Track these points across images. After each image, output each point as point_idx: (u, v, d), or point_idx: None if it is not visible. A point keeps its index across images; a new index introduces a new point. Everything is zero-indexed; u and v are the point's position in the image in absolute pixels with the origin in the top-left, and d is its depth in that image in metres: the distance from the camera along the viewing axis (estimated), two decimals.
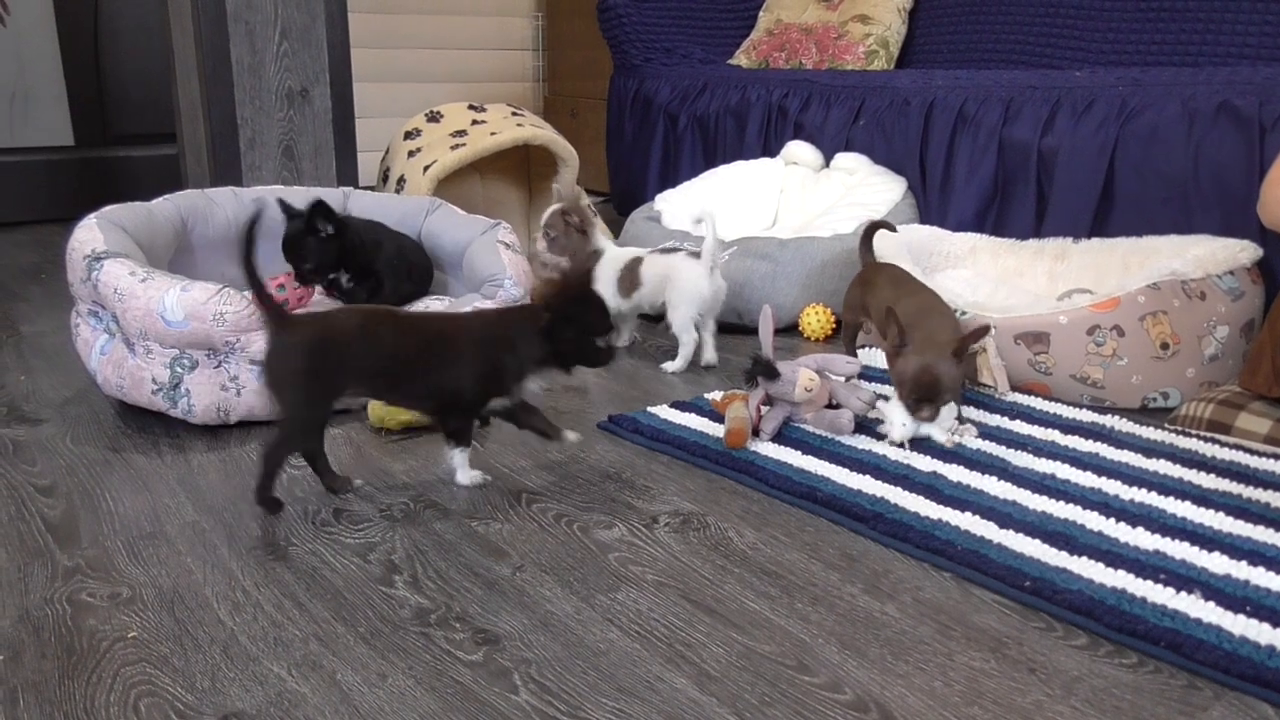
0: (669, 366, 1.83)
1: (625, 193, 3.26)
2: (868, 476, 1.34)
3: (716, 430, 1.49)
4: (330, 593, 1.06)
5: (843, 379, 1.56)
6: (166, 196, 1.89)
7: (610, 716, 0.87)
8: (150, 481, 1.34)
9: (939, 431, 1.46)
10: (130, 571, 1.10)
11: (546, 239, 1.90)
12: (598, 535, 1.20)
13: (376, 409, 1.51)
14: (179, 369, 1.46)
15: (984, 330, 1.43)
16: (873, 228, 1.85)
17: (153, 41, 3.23)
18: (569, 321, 1.28)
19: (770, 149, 2.71)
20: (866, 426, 1.51)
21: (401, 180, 2.37)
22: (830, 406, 1.52)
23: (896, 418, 1.45)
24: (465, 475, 1.34)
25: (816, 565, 1.14)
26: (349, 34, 2.35)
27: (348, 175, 2.39)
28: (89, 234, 1.56)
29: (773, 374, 1.40)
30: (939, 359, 1.40)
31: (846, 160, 2.45)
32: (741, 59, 3.15)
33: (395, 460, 1.42)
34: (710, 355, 1.84)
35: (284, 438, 1.24)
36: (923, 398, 1.41)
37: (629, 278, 1.87)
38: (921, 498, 1.28)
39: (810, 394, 1.49)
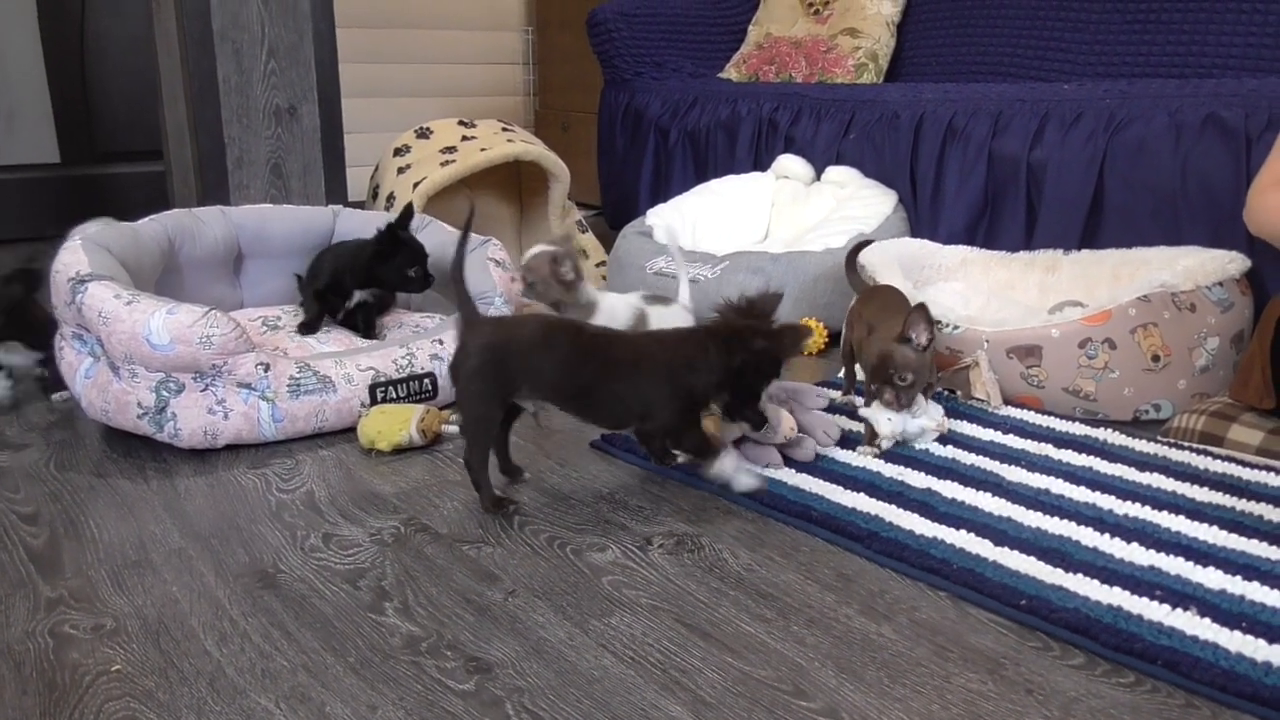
0: None
1: (617, 206, 3.25)
2: (862, 494, 1.33)
3: None
4: (319, 621, 1.05)
5: (813, 410, 1.54)
6: (153, 216, 1.88)
7: None
8: (136, 507, 1.32)
9: (928, 420, 1.48)
10: (114, 602, 1.08)
11: (525, 282, 1.71)
12: (591, 558, 1.19)
13: (367, 430, 1.50)
14: (165, 393, 1.45)
15: (921, 307, 1.46)
16: (855, 251, 1.85)
17: (140, 58, 3.21)
18: (754, 372, 1.29)
19: (761, 163, 2.71)
20: (856, 441, 1.50)
21: (391, 197, 2.36)
22: None
23: (880, 416, 1.45)
24: (745, 480, 1.33)
25: (812, 586, 1.13)
26: (337, 51, 2.34)
27: (336, 193, 2.38)
28: (73, 256, 1.55)
29: (762, 421, 1.37)
30: (891, 341, 1.45)
31: (837, 173, 2.45)
32: (731, 73, 3.15)
33: (385, 483, 1.40)
34: None
35: (469, 439, 1.32)
36: (878, 379, 1.44)
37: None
38: (916, 515, 1.27)
39: (794, 433, 1.45)
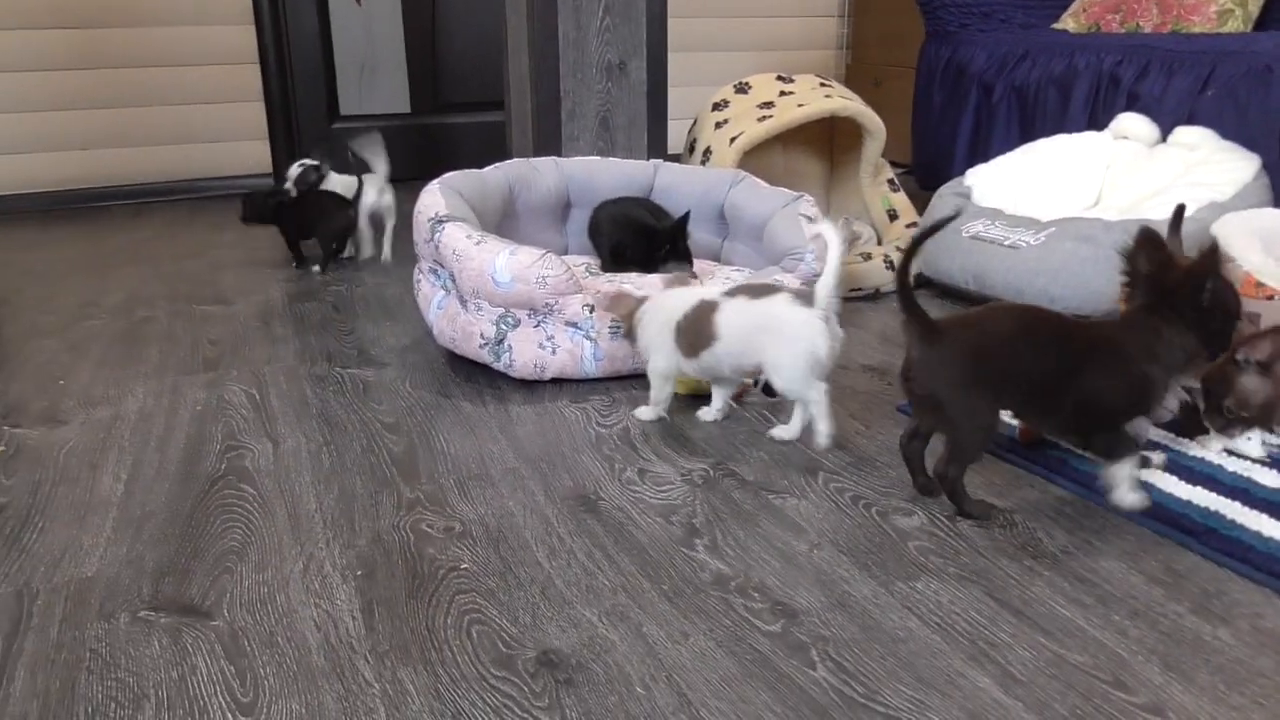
0: (781, 433, 1.43)
1: (929, 166, 3.14)
2: (1199, 488, 1.22)
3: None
4: (636, 549, 1.12)
5: None
6: (496, 165, 2.05)
7: (909, 705, 0.87)
8: (476, 427, 1.47)
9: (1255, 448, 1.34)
10: (461, 508, 1.22)
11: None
12: (896, 521, 1.18)
13: None
14: (504, 326, 1.59)
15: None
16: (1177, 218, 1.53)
17: (481, 17, 3.49)
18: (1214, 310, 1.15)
19: (1097, 122, 2.50)
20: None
21: (708, 151, 2.41)
22: None
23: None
24: (1128, 494, 1.17)
25: (1136, 577, 1.06)
26: (667, 6, 2.41)
27: (657, 147, 2.47)
28: (432, 198, 1.72)
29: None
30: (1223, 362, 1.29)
31: (1188, 135, 2.21)
32: (1069, 23, 2.92)
33: (695, 428, 1.46)
34: (826, 429, 1.36)
35: (959, 452, 1.16)
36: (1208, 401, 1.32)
37: (695, 328, 1.40)
38: (1264, 515, 1.15)
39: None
